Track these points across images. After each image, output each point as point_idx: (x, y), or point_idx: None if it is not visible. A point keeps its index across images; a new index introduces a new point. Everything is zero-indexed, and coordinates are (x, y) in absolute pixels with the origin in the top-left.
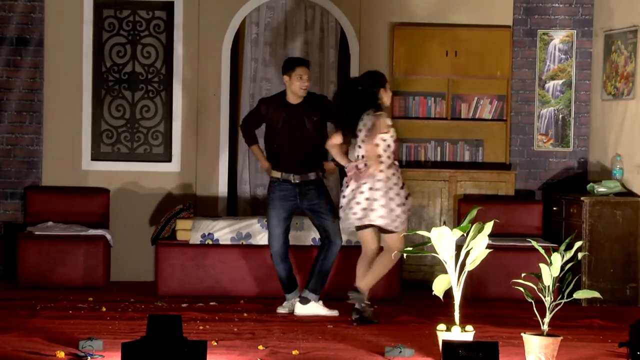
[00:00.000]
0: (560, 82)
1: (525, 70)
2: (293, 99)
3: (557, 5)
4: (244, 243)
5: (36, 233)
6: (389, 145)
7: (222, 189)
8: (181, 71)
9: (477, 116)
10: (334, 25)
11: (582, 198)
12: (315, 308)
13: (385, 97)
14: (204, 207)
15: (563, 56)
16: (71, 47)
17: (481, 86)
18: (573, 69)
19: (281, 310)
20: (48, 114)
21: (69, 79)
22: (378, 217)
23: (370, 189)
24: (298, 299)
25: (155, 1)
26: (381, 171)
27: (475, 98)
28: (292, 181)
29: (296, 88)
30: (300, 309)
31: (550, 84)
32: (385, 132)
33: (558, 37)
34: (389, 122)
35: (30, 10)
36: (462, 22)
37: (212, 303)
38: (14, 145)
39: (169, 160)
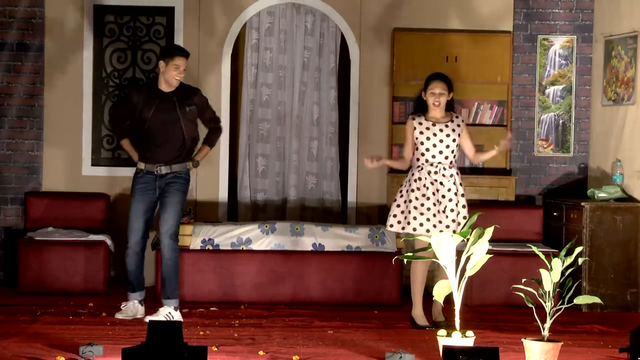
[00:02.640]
0: (560, 87)
1: (525, 76)
2: (165, 87)
3: (557, 10)
4: (245, 248)
5: (36, 238)
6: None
7: (223, 194)
8: None
9: (477, 121)
10: (334, 31)
11: (582, 203)
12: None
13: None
14: (204, 213)
15: (563, 62)
16: (71, 52)
17: (481, 91)
18: (573, 74)
19: (121, 315)
20: (48, 120)
21: (69, 85)
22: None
23: None
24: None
25: (156, 7)
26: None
27: (476, 103)
28: (156, 173)
29: (170, 77)
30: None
31: (550, 90)
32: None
33: (558, 43)
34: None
35: (30, 16)
36: (462, 27)
37: (212, 308)
38: (15, 150)
39: None
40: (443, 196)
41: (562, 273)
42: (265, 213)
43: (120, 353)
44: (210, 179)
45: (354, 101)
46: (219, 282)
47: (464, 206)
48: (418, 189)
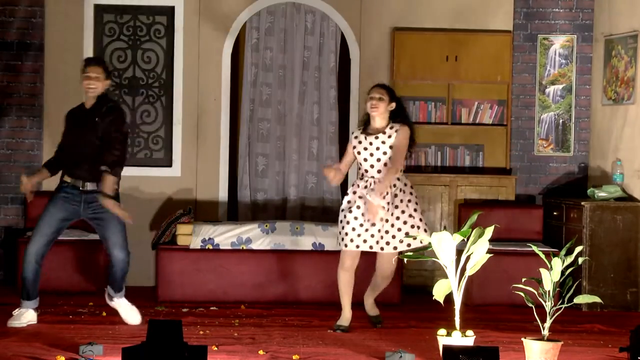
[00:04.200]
0: (560, 87)
1: (525, 75)
2: (87, 102)
3: (557, 10)
4: (245, 248)
5: None
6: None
7: (223, 193)
8: (182, 76)
9: (477, 121)
10: (334, 30)
11: (582, 203)
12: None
13: None
14: (204, 212)
15: (563, 61)
16: (72, 52)
17: (481, 91)
18: (573, 73)
19: (16, 322)
20: (48, 119)
21: (70, 84)
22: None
23: None
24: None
25: (156, 6)
26: None
27: (476, 103)
28: (81, 188)
29: (84, 87)
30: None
31: (550, 89)
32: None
33: (558, 42)
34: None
35: (30, 15)
36: (463, 27)
37: (212, 308)
38: (15, 150)
39: (170, 165)
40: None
41: (562, 272)
42: (265, 212)
43: (121, 352)
44: (210, 178)
45: (354, 101)
46: (219, 281)
47: (404, 222)
48: (353, 206)
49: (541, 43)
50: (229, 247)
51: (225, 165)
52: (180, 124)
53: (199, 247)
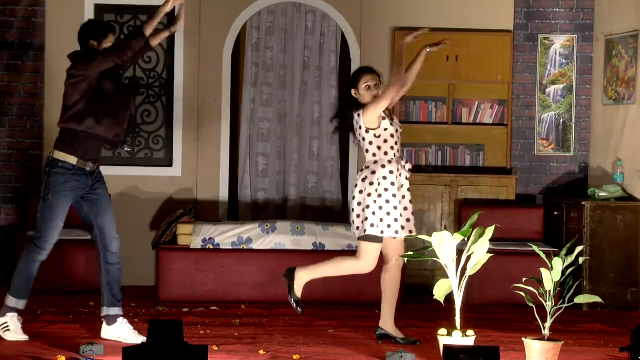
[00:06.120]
0: (561, 86)
1: (526, 75)
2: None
3: (557, 10)
4: (245, 248)
5: None
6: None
7: (223, 193)
8: (182, 76)
9: (478, 121)
10: (335, 30)
11: (583, 203)
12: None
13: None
14: (204, 212)
15: (564, 61)
16: (72, 51)
17: (482, 91)
18: (574, 73)
19: (14, 336)
20: (49, 119)
21: None
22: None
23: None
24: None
25: (156, 6)
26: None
27: (476, 103)
28: (87, 169)
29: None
30: (107, 331)
31: (551, 89)
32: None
33: (559, 42)
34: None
35: (31, 15)
36: (463, 26)
37: (213, 308)
38: (15, 149)
39: (170, 165)
40: (403, 196)
41: (563, 272)
42: (265, 212)
43: (121, 352)
44: (211, 178)
45: None
46: (219, 281)
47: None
48: (390, 187)
49: (542, 43)
50: (230, 247)
51: (226, 165)
52: (181, 124)
53: (199, 247)
